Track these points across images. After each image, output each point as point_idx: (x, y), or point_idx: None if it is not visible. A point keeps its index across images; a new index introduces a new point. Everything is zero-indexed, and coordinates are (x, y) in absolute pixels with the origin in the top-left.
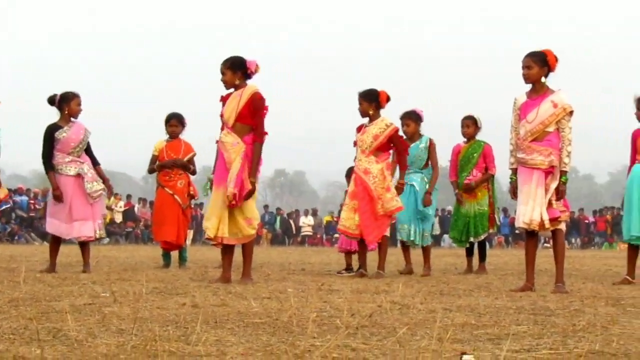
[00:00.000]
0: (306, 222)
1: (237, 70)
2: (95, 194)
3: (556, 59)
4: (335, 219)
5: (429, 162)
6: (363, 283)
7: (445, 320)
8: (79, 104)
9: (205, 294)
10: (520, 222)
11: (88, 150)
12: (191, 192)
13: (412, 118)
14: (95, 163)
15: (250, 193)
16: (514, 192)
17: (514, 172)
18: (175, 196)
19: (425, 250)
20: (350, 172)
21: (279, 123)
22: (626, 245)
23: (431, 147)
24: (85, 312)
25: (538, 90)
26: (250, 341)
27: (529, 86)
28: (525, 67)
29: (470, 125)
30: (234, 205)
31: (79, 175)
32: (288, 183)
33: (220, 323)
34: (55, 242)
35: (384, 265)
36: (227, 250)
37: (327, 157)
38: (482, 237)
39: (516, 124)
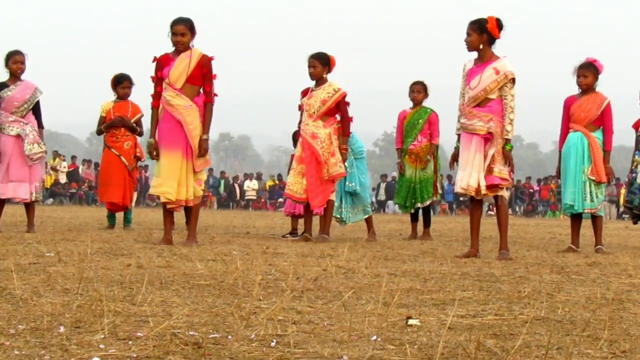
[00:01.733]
0: (250, 186)
1: (193, 32)
2: (35, 156)
3: (498, 26)
4: (278, 184)
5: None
6: (308, 247)
7: (391, 285)
8: (17, 62)
9: (150, 256)
10: (458, 187)
11: (36, 111)
12: (137, 154)
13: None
14: (39, 125)
15: (205, 151)
16: (454, 159)
17: (459, 138)
18: (122, 157)
19: (368, 220)
20: (295, 136)
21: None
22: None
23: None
24: (30, 271)
25: (482, 57)
26: (196, 302)
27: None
28: (466, 34)
29: (420, 90)
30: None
31: (19, 136)
32: (233, 147)
33: (165, 284)
34: None
35: (329, 229)
36: (169, 212)
37: (271, 121)
38: (427, 202)
39: (464, 89)
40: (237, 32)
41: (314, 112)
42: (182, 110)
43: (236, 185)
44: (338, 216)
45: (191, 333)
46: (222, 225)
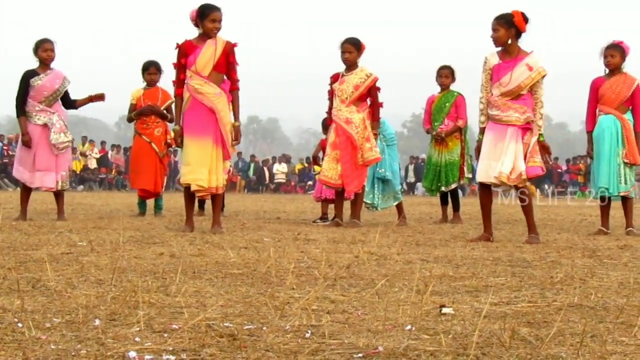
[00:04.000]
0: (280, 170)
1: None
2: (61, 145)
3: (525, 20)
4: (308, 167)
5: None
6: (339, 233)
7: (423, 272)
8: (47, 50)
9: (183, 244)
10: (491, 177)
11: (65, 98)
12: (168, 141)
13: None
14: (70, 106)
15: (239, 137)
16: (479, 151)
17: (482, 131)
18: (153, 144)
19: (398, 206)
20: (325, 123)
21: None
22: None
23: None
24: (63, 261)
25: (511, 53)
26: (229, 292)
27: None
28: (493, 30)
29: (448, 75)
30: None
31: (46, 125)
32: (261, 130)
33: (198, 274)
34: (26, 189)
35: (359, 214)
36: (192, 198)
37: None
38: (452, 186)
39: (487, 83)
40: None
41: (347, 98)
42: (213, 98)
43: (265, 169)
44: (369, 202)
45: (226, 324)
46: (253, 210)
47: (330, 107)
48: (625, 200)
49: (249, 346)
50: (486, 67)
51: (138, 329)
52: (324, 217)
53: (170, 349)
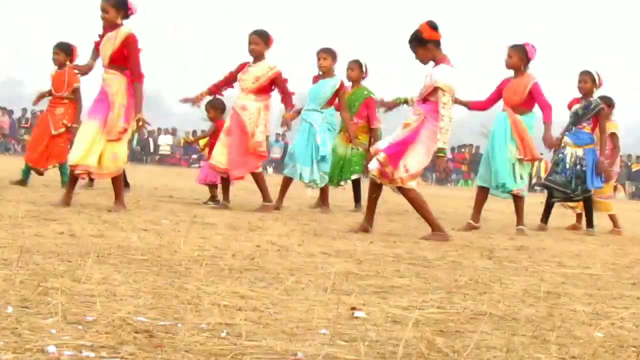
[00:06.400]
0: (165, 142)
1: (120, 9)
2: None
3: (432, 28)
4: (191, 140)
5: (331, 103)
6: (235, 217)
7: (326, 267)
8: None
9: (81, 222)
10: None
11: None
12: (65, 121)
13: (330, 53)
14: None
15: (140, 125)
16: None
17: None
18: (50, 120)
19: (324, 191)
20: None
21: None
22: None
23: (341, 88)
24: None
25: (435, 60)
26: (137, 282)
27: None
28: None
29: (355, 68)
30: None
31: None
32: (145, 99)
33: (102, 258)
34: None
35: (269, 195)
36: (74, 178)
37: (184, 74)
38: (354, 176)
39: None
40: None
41: (246, 87)
42: (110, 82)
43: (150, 140)
44: (311, 180)
45: (140, 319)
46: (143, 185)
47: (218, 83)
48: (517, 199)
49: (167, 345)
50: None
51: (52, 319)
52: (214, 199)
53: (89, 344)
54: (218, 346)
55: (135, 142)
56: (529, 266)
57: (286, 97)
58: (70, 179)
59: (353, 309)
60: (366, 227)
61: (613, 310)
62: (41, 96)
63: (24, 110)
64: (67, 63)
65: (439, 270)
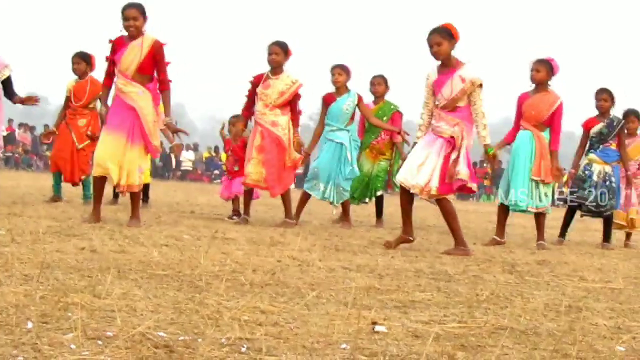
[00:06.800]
0: (187, 157)
1: (146, 16)
2: None
3: (456, 30)
4: (215, 155)
5: (353, 119)
6: (256, 232)
7: (347, 282)
8: None
9: (102, 238)
10: (405, 179)
11: (7, 85)
12: (89, 133)
13: (344, 69)
14: (10, 93)
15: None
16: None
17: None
18: (72, 133)
19: (344, 206)
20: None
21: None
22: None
23: (360, 102)
24: None
25: (447, 65)
26: (158, 297)
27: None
28: (435, 44)
29: (381, 83)
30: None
31: None
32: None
33: (123, 273)
34: None
35: (291, 212)
36: (102, 187)
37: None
38: (379, 193)
39: (428, 99)
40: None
41: (271, 103)
42: (135, 96)
43: (172, 155)
44: (328, 198)
45: (160, 334)
46: (165, 201)
47: (248, 106)
48: (538, 215)
49: None
50: (428, 83)
51: (72, 334)
52: (237, 213)
53: (108, 359)
54: None
55: (158, 158)
56: (550, 280)
57: (296, 115)
58: (98, 194)
59: (374, 323)
60: (407, 238)
61: (635, 324)
62: (51, 133)
63: (46, 126)
64: (88, 72)
65: (460, 285)
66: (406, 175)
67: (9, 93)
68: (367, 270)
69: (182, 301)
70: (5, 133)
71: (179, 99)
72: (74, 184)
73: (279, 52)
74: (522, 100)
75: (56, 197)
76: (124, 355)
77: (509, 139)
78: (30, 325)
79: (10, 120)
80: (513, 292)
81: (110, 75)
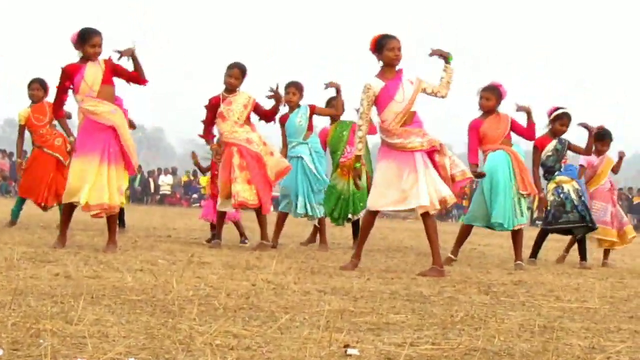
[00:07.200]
0: (165, 182)
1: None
2: None
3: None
4: (193, 179)
5: (311, 129)
6: (232, 256)
7: (322, 305)
8: None
9: (77, 263)
10: (383, 205)
11: None
12: (69, 149)
13: (297, 88)
14: None
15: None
16: (359, 177)
17: (358, 159)
18: (57, 155)
19: (321, 224)
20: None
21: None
22: None
23: (312, 110)
24: None
25: (391, 73)
26: (131, 322)
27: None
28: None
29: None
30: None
31: None
32: (146, 139)
33: (96, 299)
34: None
35: (267, 235)
36: (71, 213)
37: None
38: (361, 214)
39: (368, 110)
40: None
41: (239, 118)
42: (109, 116)
43: (151, 180)
44: (305, 213)
45: None
46: (142, 225)
47: (209, 129)
48: (516, 233)
49: None
50: (369, 94)
51: None
52: (244, 237)
53: None
54: None
55: (137, 182)
56: (525, 301)
57: (270, 112)
58: (66, 219)
59: (346, 346)
60: (356, 262)
61: (609, 344)
62: (19, 166)
63: (25, 152)
64: (44, 98)
65: (435, 306)
66: (379, 201)
67: None
68: (342, 293)
69: (154, 326)
70: None
71: (157, 124)
72: (45, 209)
73: (239, 77)
74: (477, 125)
75: (13, 222)
76: None
77: (475, 160)
78: (0, 352)
79: None
80: (488, 312)
81: (62, 104)
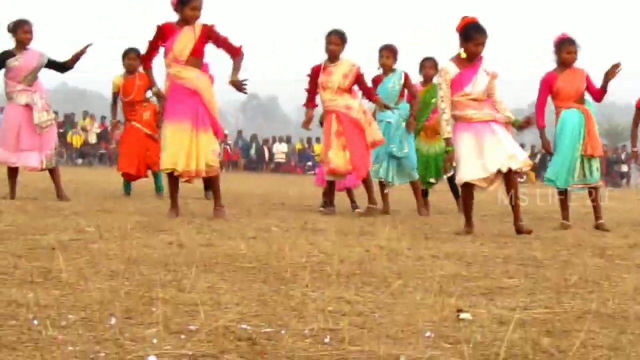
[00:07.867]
0: (280, 150)
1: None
2: (45, 124)
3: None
4: (307, 147)
5: (402, 96)
6: (345, 222)
7: (435, 270)
8: (27, 32)
9: (190, 232)
10: (479, 174)
11: (54, 65)
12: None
13: (392, 51)
14: (63, 65)
15: (241, 85)
16: (450, 161)
17: (448, 142)
18: (144, 129)
19: (415, 189)
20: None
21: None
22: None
23: (407, 80)
24: (72, 249)
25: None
26: (243, 289)
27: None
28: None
29: (432, 67)
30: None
31: (28, 105)
32: (260, 107)
33: (209, 267)
34: (10, 169)
35: (374, 197)
36: (176, 183)
37: (300, 83)
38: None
39: (448, 92)
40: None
41: (338, 87)
42: (194, 80)
43: (265, 148)
44: (383, 178)
45: (243, 326)
46: (256, 193)
47: (311, 97)
48: (592, 192)
49: (269, 352)
50: (447, 78)
51: (155, 329)
52: (355, 205)
53: (190, 353)
54: (320, 352)
55: (252, 150)
56: None
57: (371, 92)
58: (173, 189)
59: (459, 310)
60: (470, 230)
61: None
62: (114, 126)
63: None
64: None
65: (548, 270)
66: (471, 172)
67: (61, 67)
68: (455, 258)
69: (266, 293)
70: (98, 130)
71: (271, 93)
72: (137, 178)
73: (338, 42)
74: (551, 80)
75: (127, 193)
76: (205, 348)
77: (543, 123)
78: (113, 321)
79: (103, 117)
80: (602, 276)
81: (151, 59)
